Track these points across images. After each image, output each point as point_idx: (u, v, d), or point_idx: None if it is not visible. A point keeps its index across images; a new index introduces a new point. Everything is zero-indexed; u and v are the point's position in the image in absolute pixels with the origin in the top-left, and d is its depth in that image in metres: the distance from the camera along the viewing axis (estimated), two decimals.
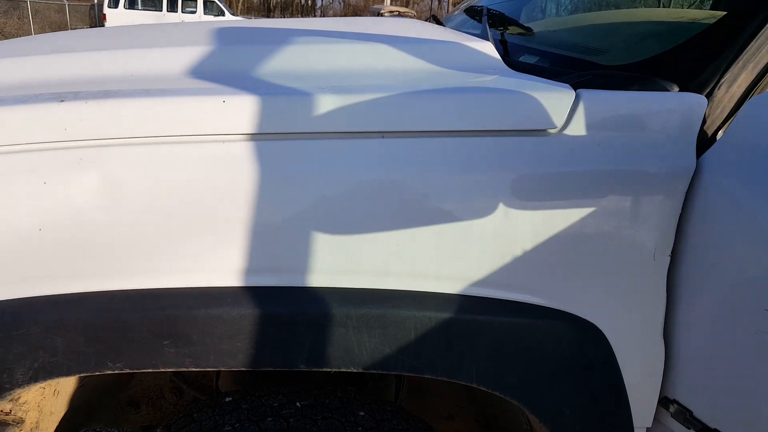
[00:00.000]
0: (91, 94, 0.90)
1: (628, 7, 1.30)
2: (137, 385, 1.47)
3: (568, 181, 0.87)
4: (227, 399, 1.04)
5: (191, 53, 1.08)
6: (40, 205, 0.83)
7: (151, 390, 1.49)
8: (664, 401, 0.96)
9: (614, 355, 0.93)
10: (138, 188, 0.84)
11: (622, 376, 0.94)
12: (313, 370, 0.91)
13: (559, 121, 0.88)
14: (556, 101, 0.88)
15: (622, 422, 0.96)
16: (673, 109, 0.88)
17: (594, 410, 0.95)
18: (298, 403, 1.01)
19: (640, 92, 0.91)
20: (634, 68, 0.98)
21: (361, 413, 1.00)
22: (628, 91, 0.91)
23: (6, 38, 17.38)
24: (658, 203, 0.87)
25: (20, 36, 17.97)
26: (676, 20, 1.23)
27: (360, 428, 0.96)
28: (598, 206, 0.87)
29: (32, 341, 0.87)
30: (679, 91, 0.91)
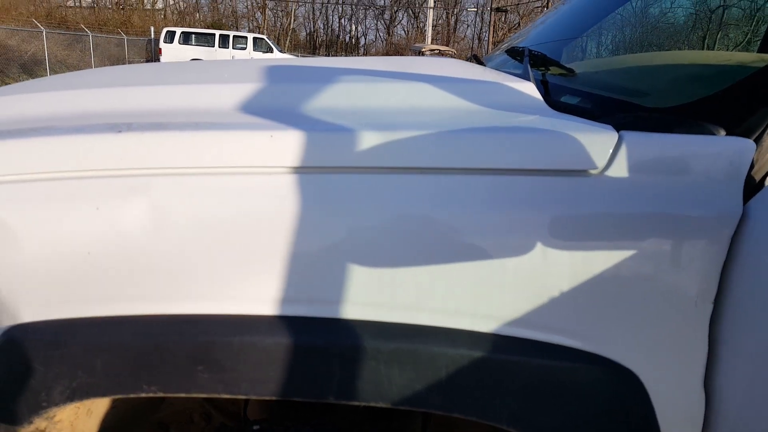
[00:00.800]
0: (145, 126, 0.94)
1: (673, 50, 1.29)
2: (167, 408, 1.48)
3: (608, 223, 0.86)
4: (255, 427, 1.04)
5: (241, 90, 1.11)
6: (91, 230, 0.86)
7: (181, 414, 1.50)
8: None
9: (651, 403, 0.89)
10: (184, 217, 0.87)
11: (659, 426, 0.90)
12: (342, 403, 0.90)
13: (600, 162, 0.87)
14: (598, 142, 0.87)
15: None
16: (720, 153, 0.86)
17: None
18: None
19: (685, 135, 0.90)
20: (679, 111, 0.97)
21: None
22: (672, 134, 0.90)
23: (69, 69, 18.37)
24: (701, 249, 0.85)
25: (82, 67, 19.00)
26: (723, 63, 1.22)
27: None
28: (639, 250, 0.85)
29: (72, 361, 0.89)
30: (726, 135, 0.89)
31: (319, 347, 0.88)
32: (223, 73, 1.37)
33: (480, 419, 0.89)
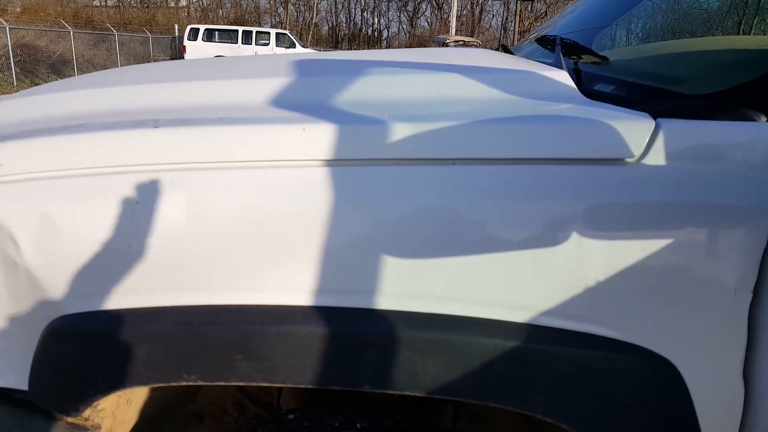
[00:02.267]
0: (180, 121, 0.96)
1: (710, 35, 1.27)
2: (202, 398, 1.52)
3: (645, 212, 0.85)
4: (290, 416, 1.05)
5: (272, 84, 1.13)
6: (131, 223, 0.88)
7: (215, 404, 1.53)
8: None
9: (689, 393, 0.89)
10: (221, 209, 0.88)
11: (696, 416, 0.89)
12: (377, 391, 0.91)
13: (637, 151, 0.86)
14: (634, 130, 0.86)
15: None
16: (759, 139, 0.85)
17: None
18: (358, 425, 1.02)
19: (724, 122, 0.88)
20: (717, 97, 0.95)
21: None
22: (710, 121, 0.89)
23: (95, 68, 18.65)
24: (740, 237, 0.84)
25: (108, 65, 19.28)
26: (762, 48, 1.19)
27: None
28: (676, 239, 0.84)
29: (116, 351, 0.91)
30: (767, 121, 0.88)
31: (354, 337, 0.89)
32: (251, 68, 1.39)
33: (515, 408, 0.89)
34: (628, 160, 0.87)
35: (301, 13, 44.94)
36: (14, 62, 15.19)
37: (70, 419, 1.00)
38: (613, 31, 1.62)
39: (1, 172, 0.92)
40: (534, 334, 0.89)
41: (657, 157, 0.86)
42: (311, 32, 41.67)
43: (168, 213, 0.88)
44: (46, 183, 0.91)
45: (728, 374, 0.88)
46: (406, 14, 47.91)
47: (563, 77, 1.10)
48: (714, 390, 0.89)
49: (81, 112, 1.09)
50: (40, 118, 1.09)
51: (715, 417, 0.90)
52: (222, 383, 0.92)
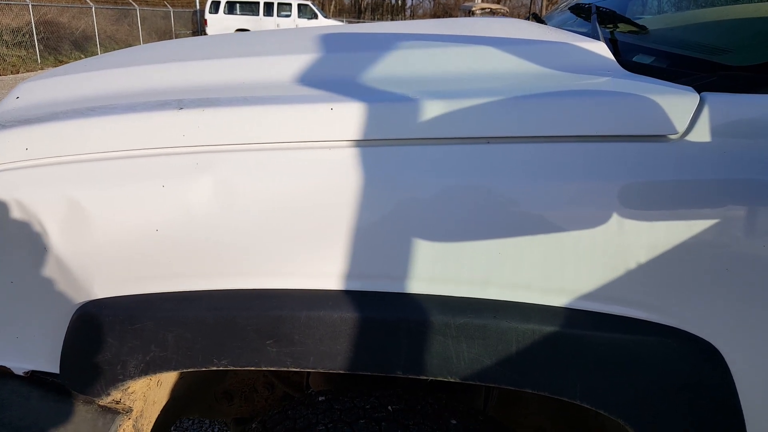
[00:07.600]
0: (205, 102, 0.94)
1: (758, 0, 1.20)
2: (232, 378, 1.53)
3: (689, 190, 0.81)
4: (320, 398, 1.05)
5: (297, 62, 1.10)
6: (157, 207, 0.87)
7: (245, 384, 1.55)
8: None
9: (732, 378, 0.86)
10: (248, 192, 0.87)
11: (740, 402, 0.86)
12: (410, 377, 0.90)
13: (681, 127, 0.82)
14: (678, 105, 0.82)
15: None
16: None
17: None
18: (389, 407, 1.01)
19: None
20: (765, 69, 0.90)
21: (453, 421, 0.99)
22: (759, 95, 0.84)
23: (118, 44, 18.74)
24: None
25: (131, 41, 19.32)
26: None
27: None
28: (721, 218, 0.81)
29: (146, 336, 0.91)
30: None
31: (386, 322, 0.88)
32: (276, 44, 1.36)
33: (552, 395, 0.87)
34: (672, 136, 0.83)
35: None
36: (37, 39, 15.30)
37: (101, 402, 1.01)
38: None
39: (26, 156, 0.91)
40: (572, 318, 0.86)
41: (702, 134, 0.82)
42: (333, 2, 41.20)
43: (194, 196, 0.87)
44: (71, 167, 0.90)
45: None
46: None
47: (600, 48, 1.05)
48: (758, 375, 0.86)
49: (106, 93, 1.08)
50: (66, 100, 1.08)
51: (759, 404, 0.87)
52: (252, 368, 0.92)
